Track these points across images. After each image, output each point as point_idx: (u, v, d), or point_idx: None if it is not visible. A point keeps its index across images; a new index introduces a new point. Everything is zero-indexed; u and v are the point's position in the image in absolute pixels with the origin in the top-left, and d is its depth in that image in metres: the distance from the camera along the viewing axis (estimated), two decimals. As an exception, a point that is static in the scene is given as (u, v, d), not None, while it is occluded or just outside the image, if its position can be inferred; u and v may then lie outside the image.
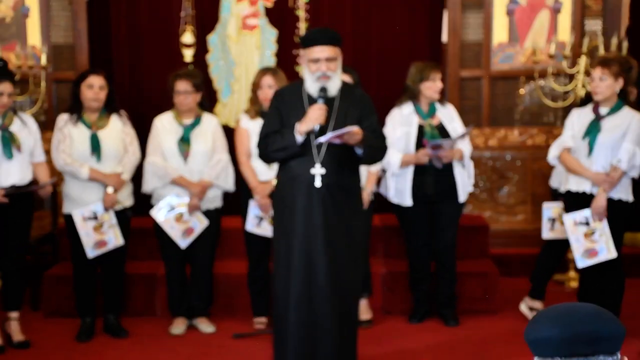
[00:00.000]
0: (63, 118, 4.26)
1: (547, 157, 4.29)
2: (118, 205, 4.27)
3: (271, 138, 3.32)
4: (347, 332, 3.40)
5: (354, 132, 3.18)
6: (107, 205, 4.20)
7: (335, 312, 3.28)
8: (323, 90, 3.28)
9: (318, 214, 3.25)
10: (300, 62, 3.42)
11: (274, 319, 3.44)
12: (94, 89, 4.20)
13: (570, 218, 4.09)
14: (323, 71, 3.27)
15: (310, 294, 3.26)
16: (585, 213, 4.04)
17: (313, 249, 3.26)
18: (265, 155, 3.41)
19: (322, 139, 3.19)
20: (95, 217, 4.18)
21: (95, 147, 4.20)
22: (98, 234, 4.19)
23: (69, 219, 4.25)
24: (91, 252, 4.20)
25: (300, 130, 3.24)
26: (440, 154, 4.22)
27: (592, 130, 4.04)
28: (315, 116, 3.22)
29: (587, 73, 4.85)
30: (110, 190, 4.20)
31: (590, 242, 4.04)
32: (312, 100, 3.31)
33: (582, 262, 4.08)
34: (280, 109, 3.38)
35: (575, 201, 4.12)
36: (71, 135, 4.21)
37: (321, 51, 3.27)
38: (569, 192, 4.17)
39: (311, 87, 3.32)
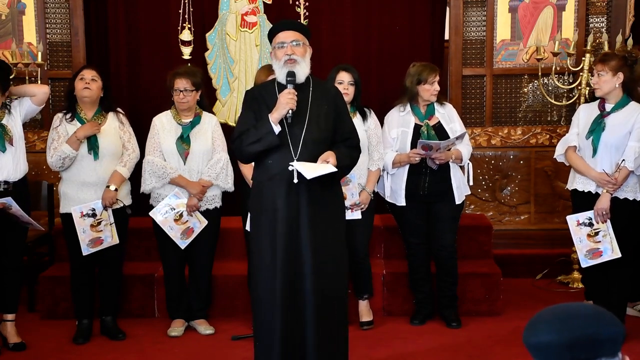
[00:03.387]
0: (58, 117, 4.23)
1: (555, 154, 4.26)
2: (118, 203, 4.22)
3: (245, 134, 3.27)
4: (335, 334, 3.33)
5: (330, 165, 3.15)
6: (107, 203, 4.15)
7: (319, 311, 3.22)
8: (291, 74, 3.24)
9: (299, 211, 3.21)
10: (271, 57, 3.39)
11: (255, 322, 3.36)
12: (85, 79, 4.17)
13: (573, 219, 4.09)
14: (289, 54, 3.23)
15: (296, 294, 3.21)
16: (588, 214, 4.03)
17: (297, 247, 3.21)
18: (241, 152, 3.33)
19: (304, 175, 3.13)
20: (93, 215, 4.14)
21: (93, 144, 4.14)
22: (94, 231, 4.14)
23: (66, 218, 4.21)
24: (86, 250, 4.15)
25: (273, 118, 3.19)
26: (431, 154, 4.17)
27: (596, 129, 4.01)
28: (285, 101, 3.17)
29: (592, 71, 4.79)
30: (112, 187, 4.15)
31: (594, 242, 4.02)
32: (282, 89, 3.26)
33: (585, 262, 4.08)
34: (254, 108, 3.33)
35: (582, 201, 4.10)
36: (67, 133, 4.16)
37: (285, 35, 3.27)
38: (575, 191, 4.14)
39: (280, 74, 3.30)
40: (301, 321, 3.22)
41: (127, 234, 4.37)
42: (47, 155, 4.16)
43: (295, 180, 3.18)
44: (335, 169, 3.16)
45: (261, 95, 3.35)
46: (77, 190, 4.17)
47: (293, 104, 3.18)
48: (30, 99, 4.15)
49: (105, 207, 4.16)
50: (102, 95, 4.25)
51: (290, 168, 3.17)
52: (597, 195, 4.03)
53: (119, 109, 4.35)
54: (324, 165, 3.16)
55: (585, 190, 4.08)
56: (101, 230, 4.16)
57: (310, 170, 3.12)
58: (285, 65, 3.25)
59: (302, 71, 3.28)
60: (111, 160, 4.21)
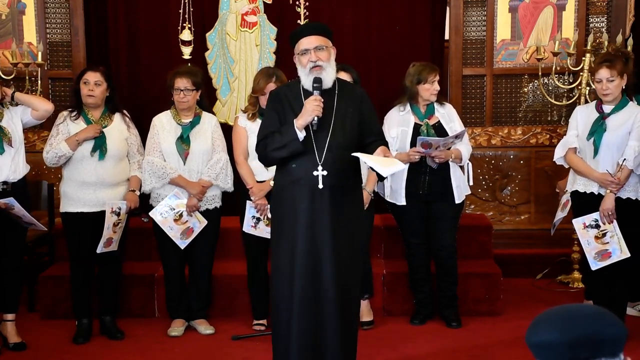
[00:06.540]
0: (63, 115, 4.24)
1: (554, 157, 4.24)
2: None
3: (269, 138, 3.23)
4: (350, 335, 3.33)
5: (398, 162, 3.10)
6: (133, 205, 4.20)
7: (339, 314, 3.21)
8: (317, 81, 3.19)
9: (322, 216, 3.18)
10: (294, 61, 3.33)
11: (274, 325, 3.36)
12: (89, 84, 4.17)
13: (579, 221, 4.04)
14: (314, 61, 3.19)
15: (316, 297, 3.19)
16: (594, 215, 4.00)
17: (318, 251, 3.18)
18: (265, 156, 3.31)
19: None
20: (118, 214, 4.16)
21: (100, 145, 4.14)
22: (112, 231, 4.16)
23: (66, 216, 4.22)
24: (100, 248, 4.15)
25: (298, 125, 3.15)
26: (431, 153, 4.17)
27: (597, 130, 3.99)
28: (311, 108, 3.13)
29: (593, 72, 4.79)
30: (137, 192, 4.23)
31: (602, 244, 3.99)
32: (308, 95, 3.22)
33: (595, 265, 4.03)
34: (278, 110, 3.29)
35: (584, 202, 4.08)
36: (69, 132, 4.16)
37: (308, 41, 3.21)
38: (576, 193, 4.12)
39: (306, 81, 3.24)
40: (320, 323, 3.19)
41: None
42: (44, 150, 4.17)
43: (320, 186, 3.16)
44: (403, 165, 3.10)
45: (286, 97, 3.31)
46: (76, 189, 4.17)
47: (319, 111, 3.14)
48: (31, 111, 4.14)
49: (128, 210, 4.19)
50: (108, 95, 4.26)
51: (356, 156, 3.08)
52: (599, 196, 4.01)
53: (124, 111, 4.35)
54: (392, 161, 3.08)
55: (588, 192, 4.06)
56: (116, 232, 4.18)
57: (383, 165, 3.04)
58: (312, 72, 3.20)
59: (329, 76, 3.23)
60: (113, 161, 4.21)
